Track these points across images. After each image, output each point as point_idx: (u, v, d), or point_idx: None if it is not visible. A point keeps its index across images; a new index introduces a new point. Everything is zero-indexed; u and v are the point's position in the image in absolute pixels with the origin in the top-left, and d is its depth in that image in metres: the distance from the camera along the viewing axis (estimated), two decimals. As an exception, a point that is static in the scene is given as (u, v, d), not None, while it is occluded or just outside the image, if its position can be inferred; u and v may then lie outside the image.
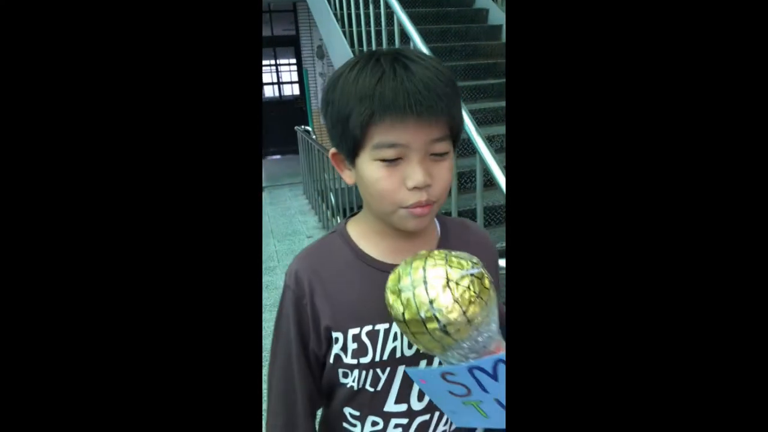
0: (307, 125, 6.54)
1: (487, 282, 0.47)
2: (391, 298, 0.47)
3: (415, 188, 0.53)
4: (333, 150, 0.60)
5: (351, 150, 0.56)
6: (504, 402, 0.47)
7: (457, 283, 0.44)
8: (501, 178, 1.58)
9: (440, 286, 0.44)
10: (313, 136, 4.99)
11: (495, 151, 2.59)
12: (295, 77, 8.35)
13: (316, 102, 7.28)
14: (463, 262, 0.47)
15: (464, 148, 2.20)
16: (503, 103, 2.83)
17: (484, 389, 0.46)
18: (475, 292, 0.45)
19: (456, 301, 0.44)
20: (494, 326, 0.47)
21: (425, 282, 0.44)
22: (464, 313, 0.44)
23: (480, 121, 2.73)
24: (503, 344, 0.49)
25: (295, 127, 5.32)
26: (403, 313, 0.45)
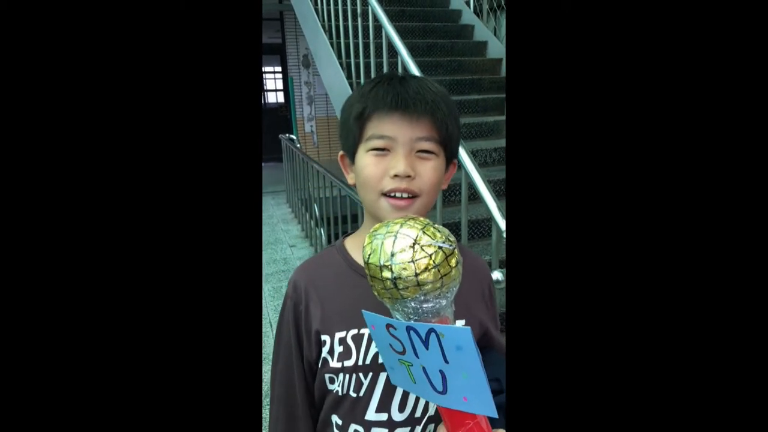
0: (292, 133, 6.53)
1: (453, 262, 0.49)
2: (366, 239, 0.51)
3: (396, 176, 0.59)
4: (341, 152, 0.68)
5: (351, 147, 0.64)
6: (429, 372, 0.49)
7: (422, 248, 0.47)
8: (485, 192, 1.61)
9: (406, 245, 0.47)
10: (298, 145, 4.98)
11: (479, 165, 2.63)
12: (279, 85, 8.35)
13: (300, 110, 7.28)
14: (438, 234, 0.49)
15: (449, 161, 2.23)
16: (487, 118, 2.89)
17: (415, 353, 0.48)
18: (434, 261, 0.47)
19: (413, 261, 0.47)
20: (444, 302, 0.50)
21: (395, 236, 0.48)
22: (416, 275, 0.47)
23: (463, 136, 2.78)
24: (449, 321, 0.51)
25: (280, 135, 5.31)
26: (369, 255, 0.49)
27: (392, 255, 0.47)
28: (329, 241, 3.37)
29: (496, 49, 3.40)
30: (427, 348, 0.47)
